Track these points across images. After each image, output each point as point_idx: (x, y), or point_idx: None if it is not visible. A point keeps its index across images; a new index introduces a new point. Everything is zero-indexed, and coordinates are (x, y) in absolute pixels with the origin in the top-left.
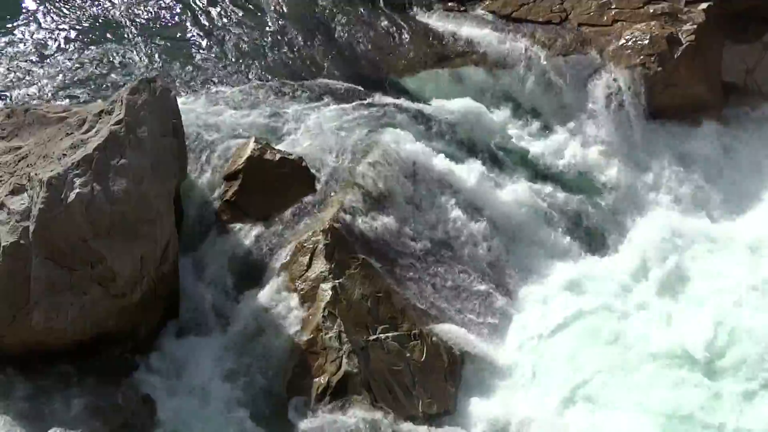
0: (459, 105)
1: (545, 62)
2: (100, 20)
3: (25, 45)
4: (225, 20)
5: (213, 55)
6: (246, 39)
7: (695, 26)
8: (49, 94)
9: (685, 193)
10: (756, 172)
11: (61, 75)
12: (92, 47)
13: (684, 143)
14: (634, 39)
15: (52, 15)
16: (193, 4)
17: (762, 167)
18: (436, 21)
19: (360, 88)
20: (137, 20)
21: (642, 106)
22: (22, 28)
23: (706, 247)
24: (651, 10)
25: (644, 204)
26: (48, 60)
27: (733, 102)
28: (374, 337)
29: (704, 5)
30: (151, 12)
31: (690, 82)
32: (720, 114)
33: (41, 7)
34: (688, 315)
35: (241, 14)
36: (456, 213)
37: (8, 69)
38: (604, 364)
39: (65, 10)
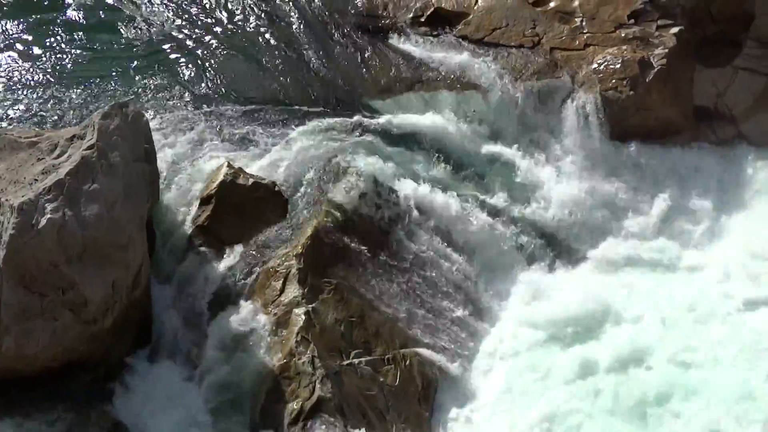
0: (432, 129)
1: (518, 86)
2: (72, 45)
3: None
4: (199, 46)
5: (186, 81)
6: (220, 64)
7: (666, 50)
8: (21, 119)
9: (655, 216)
10: (726, 196)
11: (32, 100)
12: (64, 72)
13: (655, 166)
14: (606, 63)
15: (22, 39)
16: (165, 30)
17: (732, 190)
18: (409, 46)
19: (333, 111)
20: (110, 45)
21: (613, 129)
22: None
23: (669, 269)
24: (623, 35)
25: (615, 227)
26: (19, 85)
27: (704, 125)
28: (348, 362)
29: (675, 29)
30: (123, 37)
31: (661, 105)
32: (691, 137)
33: (11, 31)
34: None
35: (214, 39)
36: (429, 237)
37: None
38: (579, 389)
39: (35, 35)
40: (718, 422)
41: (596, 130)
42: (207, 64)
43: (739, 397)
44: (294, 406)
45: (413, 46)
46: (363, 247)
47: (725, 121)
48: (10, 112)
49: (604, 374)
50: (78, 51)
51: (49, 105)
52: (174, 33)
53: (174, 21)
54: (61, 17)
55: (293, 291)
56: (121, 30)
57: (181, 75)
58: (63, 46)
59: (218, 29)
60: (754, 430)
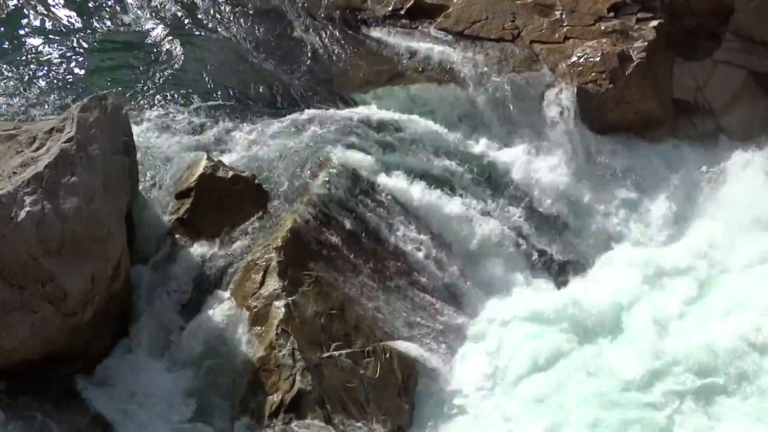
0: (411, 121)
1: (497, 79)
2: (51, 38)
3: None
4: (177, 40)
5: (165, 74)
6: (198, 57)
7: (646, 43)
8: None
9: (635, 212)
10: (704, 190)
11: (10, 93)
12: (42, 65)
13: (635, 160)
14: (585, 56)
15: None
16: (143, 24)
17: (710, 184)
18: (389, 38)
19: (313, 104)
20: (88, 39)
21: (593, 123)
22: None
23: (652, 271)
24: (602, 28)
25: (596, 223)
26: None
27: (684, 119)
28: (328, 354)
29: (655, 23)
30: (102, 31)
31: (641, 99)
32: (670, 131)
33: None
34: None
35: (192, 34)
36: (410, 231)
37: None
38: (560, 387)
39: (14, 27)
40: None
41: (576, 123)
42: (186, 58)
43: None
44: (274, 398)
45: (393, 38)
46: (343, 240)
47: (705, 115)
48: None
49: (586, 363)
50: (58, 44)
51: (28, 98)
52: (150, 28)
53: (152, 17)
54: (45, 11)
55: (273, 284)
56: (98, 24)
57: (160, 69)
58: (41, 39)
59: (196, 24)
60: None
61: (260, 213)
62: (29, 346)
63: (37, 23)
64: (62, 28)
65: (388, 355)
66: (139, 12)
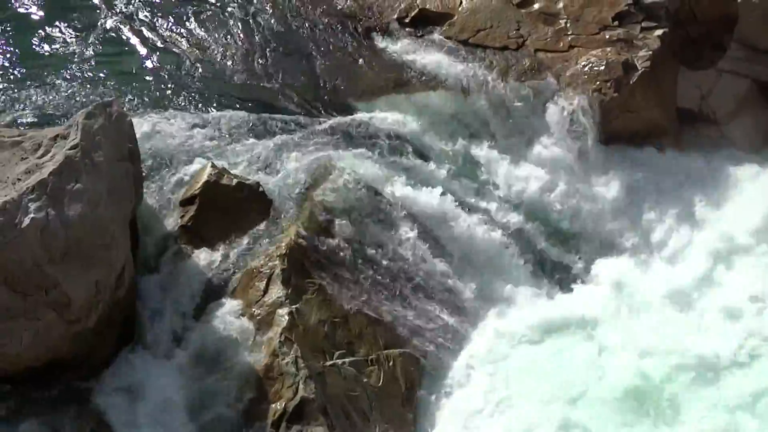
0: (417, 131)
1: (502, 87)
2: (55, 45)
3: None
4: (183, 47)
5: (170, 81)
6: (204, 65)
7: (650, 52)
8: (4, 119)
9: (642, 221)
10: (708, 198)
11: (15, 100)
12: (48, 72)
13: (639, 169)
14: (590, 65)
15: (4, 39)
16: (148, 30)
17: (715, 193)
18: (394, 47)
19: (318, 112)
20: (93, 45)
21: (597, 131)
22: None
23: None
24: (607, 36)
25: (602, 232)
26: (1, 85)
27: (688, 128)
28: (331, 362)
29: (660, 32)
30: (107, 37)
31: (645, 107)
32: (675, 140)
33: None
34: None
35: (198, 41)
36: (414, 239)
37: None
38: (565, 395)
39: (19, 35)
40: None
41: (583, 132)
42: (189, 67)
43: None
44: (277, 406)
45: (398, 47)
46: (347, 248)
47: (709, 124)
48: None
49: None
50: (60, 51)
51: (32, 104)
52: (155, 35)
53: (155, 23)
54: (49, 17)
55: (277, 291)
56: (103, 30)
57: (163, 78)
58: (46, 46)
59: (200, 32)
60: None
61: (264, 220)
62: (33, 352)
63: (39, 29)
64: (66, 33)
65: (391, 364)
66: (143, 18)
